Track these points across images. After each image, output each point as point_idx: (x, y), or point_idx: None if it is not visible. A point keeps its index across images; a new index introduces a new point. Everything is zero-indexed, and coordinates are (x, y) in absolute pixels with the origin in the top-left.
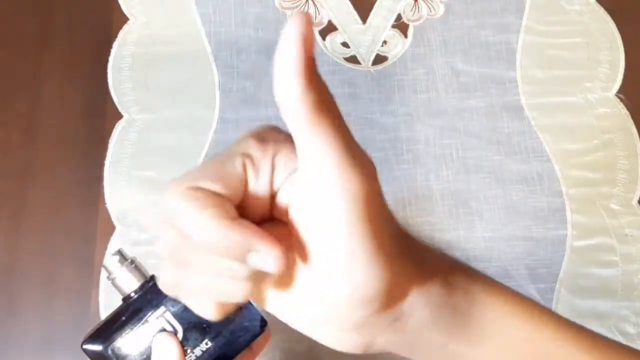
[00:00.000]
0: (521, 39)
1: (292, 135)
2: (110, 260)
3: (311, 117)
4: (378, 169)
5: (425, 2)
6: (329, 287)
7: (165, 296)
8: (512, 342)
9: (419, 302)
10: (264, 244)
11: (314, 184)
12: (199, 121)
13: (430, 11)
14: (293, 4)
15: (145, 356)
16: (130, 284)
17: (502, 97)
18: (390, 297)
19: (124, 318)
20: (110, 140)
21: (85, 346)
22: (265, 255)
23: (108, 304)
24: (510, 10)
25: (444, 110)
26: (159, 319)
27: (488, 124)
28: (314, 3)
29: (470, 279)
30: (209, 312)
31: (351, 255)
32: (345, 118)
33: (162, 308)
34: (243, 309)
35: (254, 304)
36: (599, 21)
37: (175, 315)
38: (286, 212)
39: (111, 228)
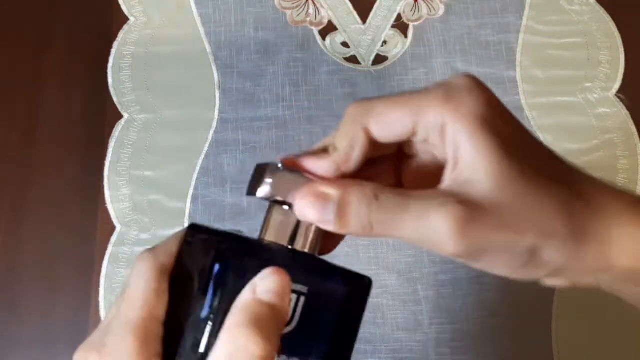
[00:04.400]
0: (521, 39)
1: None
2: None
3: None
4: None
5: (425, 2)
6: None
7: (314, 278)
8: None
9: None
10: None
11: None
12: (199, 121)
13: (430, 11)
14: (293, 4)
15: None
16: (286, 232)
17: (502, 97)
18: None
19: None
20: (110, 140)
21: (197, 236)
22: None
23: (108, 304)
24: (510, 10)
25: None
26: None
27: None
28: (314, 3)
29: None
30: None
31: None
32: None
33: (302, 287)
34: None
35: None
36: (599, 21)
37: (307, 305)
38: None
39: (111, 228)
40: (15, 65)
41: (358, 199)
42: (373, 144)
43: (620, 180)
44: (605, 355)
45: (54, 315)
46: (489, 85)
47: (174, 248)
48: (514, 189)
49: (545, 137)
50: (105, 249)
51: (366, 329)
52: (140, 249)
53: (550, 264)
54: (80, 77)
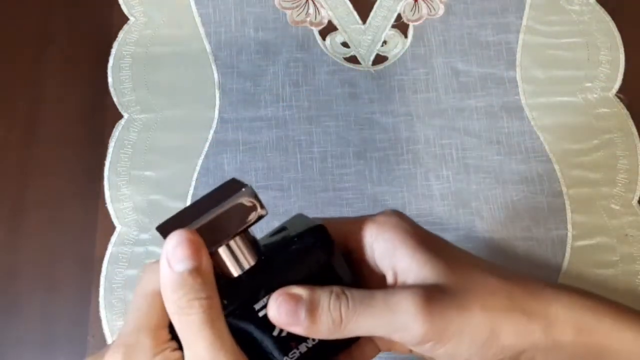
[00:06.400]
0: (521, 39)
1: None
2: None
3: None
4: (378, 168)
5: (425, 2)
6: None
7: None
8: None
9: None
10: None
11: None
12: (199, 121)
13: (430, 11)
14: (293, 4)
15: None
16: (246, 259)
17: (502, 97)
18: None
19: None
20: (110, 140)
21: None
22: None
23: (108, 304)
24: (510, 10)
25: (444, 110)
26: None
27: (488, 124)
28: (314, 3)
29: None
30: None
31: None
32: (345, 118)
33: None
34: None
35: None
36: (599, 21)
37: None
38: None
39: (111, 228)
40: (15, 64)
41: (327, 295)
42: None
43: (620, 180)
44: None
45: (54, 315)
46: (489, 85)
47: None
48: (457, 275)
49: (545, 137)
50: (105, 249)
51: None
52: (141, 249)
53: (506, 339)
54: (80, 78)
